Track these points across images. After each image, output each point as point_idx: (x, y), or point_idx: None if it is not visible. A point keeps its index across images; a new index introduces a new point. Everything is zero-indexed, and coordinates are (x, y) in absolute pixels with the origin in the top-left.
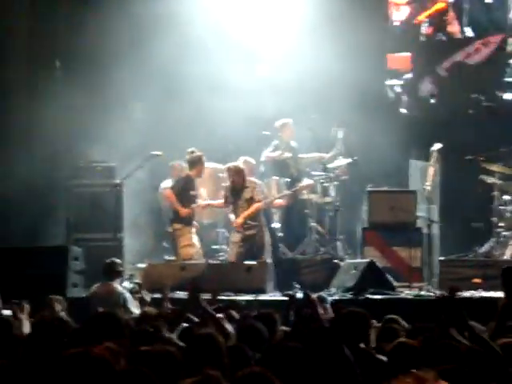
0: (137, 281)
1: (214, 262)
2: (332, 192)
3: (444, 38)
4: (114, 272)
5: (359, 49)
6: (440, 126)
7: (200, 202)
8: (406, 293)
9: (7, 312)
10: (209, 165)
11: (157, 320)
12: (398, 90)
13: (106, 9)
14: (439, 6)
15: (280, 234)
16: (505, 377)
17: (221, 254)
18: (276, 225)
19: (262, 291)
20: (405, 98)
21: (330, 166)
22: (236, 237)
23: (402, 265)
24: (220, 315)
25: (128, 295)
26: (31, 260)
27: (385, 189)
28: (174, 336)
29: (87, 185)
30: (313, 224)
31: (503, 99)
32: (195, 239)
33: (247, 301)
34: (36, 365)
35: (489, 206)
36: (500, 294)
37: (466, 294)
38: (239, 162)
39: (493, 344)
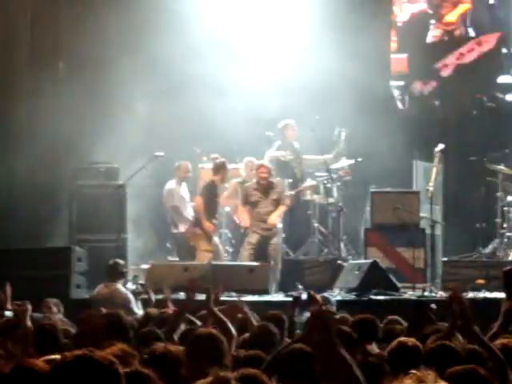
0: (141, 282)
1: (217, 262)
2: (335, 193)
3: (446, 39)
4: (117, 273)
5: (362, 49)
6: (443, 127)
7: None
8: (410, 293)
9: (10, 313)
10: (211, 166)
11: (160, 321)
12: (400, 90)
13: (108, 10)
14: (465, 6)
15: (283, 235)
16: (504, 380)
17: (224, 254)
18: (279, 225)
19: (266, 292)
20: (406, 98)
21: (333, 166)
22: (254, 238)
23: (405, 265)
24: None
25: (131, 296)
26: (34, 261)
27: (388, 189)
28: (175, 337)
29: (90, 186)
30: (316, 225)
31: (505, 100)
32: (216, 240)
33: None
34: (37, 367)
35: (492, 207)
36: (504, 295)
37: (470, 294)
38: (245, 162)
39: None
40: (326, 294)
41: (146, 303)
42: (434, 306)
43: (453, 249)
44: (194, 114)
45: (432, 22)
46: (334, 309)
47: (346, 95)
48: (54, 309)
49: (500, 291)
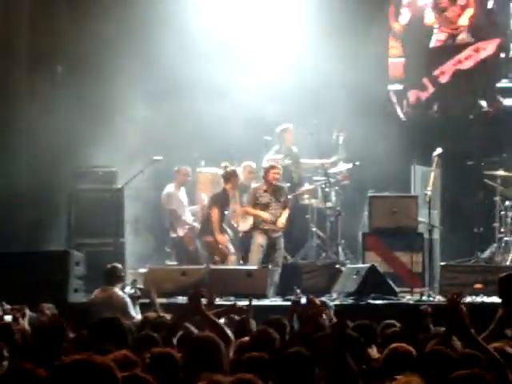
0: (140, 286)
1: (215, 267)
2: (333, 197)
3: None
4: (114, 277)
5: (361, 54)
6: (441, 132)
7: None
8: (408, 298)
9: (8, 317)
10: (210, 170)
11: (157, 325)
12: (398, 95)
13: (107, 14)
14: (471, 11)
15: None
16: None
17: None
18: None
19: (264, 296)
20: (404, 103)
21: (331, 171)
22: (261, 239)
23: (403, 270)
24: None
25: (128, 300)
26: (32, 265)
27: (386, 194)
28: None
29: (88, 190)
30: (314, 229)
31: (502, 105)
32: (230, 247)
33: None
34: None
35: (490, 212)
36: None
37: (467, 299)
38: (243, 166)
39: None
40: (324, 299)
41: (144, 307)
42: (428, 308)
43: (451, 253)
44: (193, 118)
45: (436, 25)
46: (332, 313)
47: (345, 99)
48: (48, 313)
49: (498, 296)
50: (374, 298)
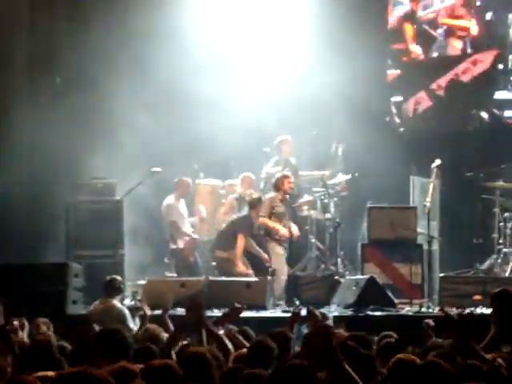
0: (140, 298)
1: (214, 278)
2: (332, 208)
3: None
4: (114, 289)
5: (360, 65)
6: (440, 143)
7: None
8: (407, 309)
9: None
10: (208, 181)
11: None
12: (397, 106)
13: (106, 25)
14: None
15: None
16: None
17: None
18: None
19: (263, 308)
20: (403, 114)
21: (330, 182)
22: (280, 249)
23: (402, 281)
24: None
25: (127, 312)
26: (31, 277)
27: (385, 205)
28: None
29: (88, 201)
30: (313, 240)
31: (501, 116)
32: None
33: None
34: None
35: (489, 223)
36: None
37: (466, 310)
38: (241, 177)
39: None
40: (323, 310)
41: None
42: (431, 321)
43: (450, 264)
44: (192, 130)
45: (440, 32)
46: (331, 324)
47: (343, 110)
48: (43, 328)
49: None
50: (373, 310)
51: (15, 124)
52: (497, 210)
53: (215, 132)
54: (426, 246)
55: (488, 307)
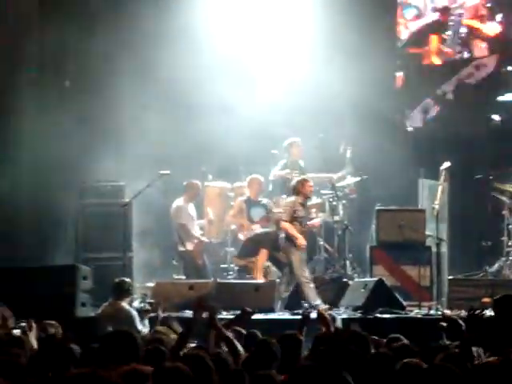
0: (150, 300)
1: (222, 280)
2: (341, 211)
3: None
4: (122, 291)
5: (368, 68)
6: (449, 145)
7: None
8: (416, 312)
9: (16, 331)
10: (217, 184)
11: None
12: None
13: (116, 28)
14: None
15: None
16: None
17: (230, 272)
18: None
19: (271, 310)
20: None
21: (338, 184)
22: (299, 253)
23: (410, 284)
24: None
25: (135, 314)
26: (40, 279)
27: (394, 207)
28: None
29: (96, 204)
30: (321, 243)
31: (510, 118)
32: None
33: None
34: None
35: (498, 226)
36: None
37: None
38: (249, 179)
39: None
40: (332, 313)
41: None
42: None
43: (459, 267)
44: (200, 132)
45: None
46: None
47: (352, 113)
48: (51, 330)
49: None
50: (381, 312)
51: (24, 127)
52: (506, 212)
53: (223, 134)
54: (434, 249)
55: None
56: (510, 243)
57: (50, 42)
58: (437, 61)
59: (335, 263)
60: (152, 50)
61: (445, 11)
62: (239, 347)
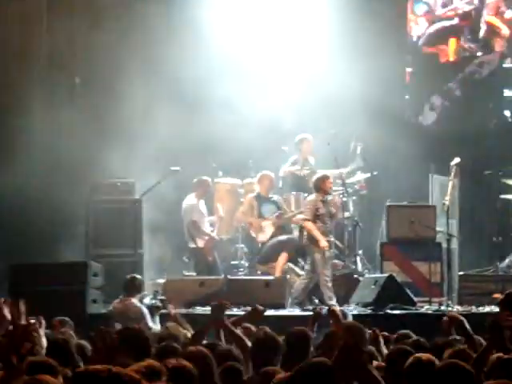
0: (162, 297)
1: (233, 277)
2: (351, 207)
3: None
4: (133, 288)
5: (378, 64)
6: (459, 141)
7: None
8: (426, 308)
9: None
10: (227, 180)
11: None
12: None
13: (125, 27)
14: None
15: None
16: None
17: (240, 269)
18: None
19: (282, 306)
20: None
21: (349, 180)
22: (320, 253)
23: (421, 280)
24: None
25: (145, 311)
26: (51, 276)
27: (404, 203)
28: None
29: (107, 201)
30: (332, 239)
31: None
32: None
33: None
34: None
35: (509, 221)
36: None
37: (486, 308)
38: (260, 176)
39: None
40: (343, 309)
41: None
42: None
43: (469, 263)
44: (210, 128)
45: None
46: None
47: (362, 109)
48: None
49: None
50: (392, 308)
51: (34, 124)
52: None
53: (233, 131)
54: (445, 245)
55: None
56: None
57: (59, 40)
58: (452, 59)
59: (345, 259)
60: (162, 47)
61: (465, 16)
62: (249, 344)
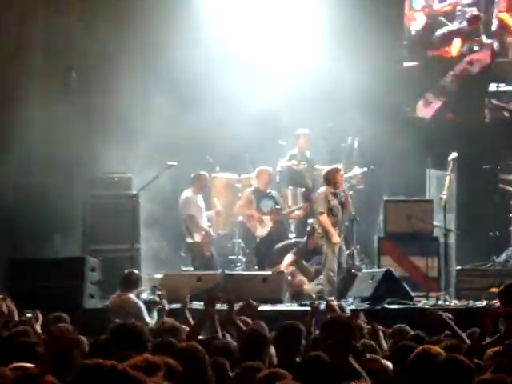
0: (160, 292)
1: (230, 272)
2: None
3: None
4: (131, 283)
5: (375, 59)
6: (456, 136)
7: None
8: (424, 302)
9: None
10: (224, 175)
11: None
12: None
13: (122, 21)
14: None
15: None
16: None
17: (238, 264)
18: (292, 235)
19: (279, 301)
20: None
21: (345, 175)
22: (337, 248)
23: (418, 274)
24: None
25: (142, 306)
26: (48, 271)
27: (401, 198)
28: None
29: (104, 196)
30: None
31: None
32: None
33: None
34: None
35: (506, 216)
36: None
37: (483, 303)
38: (258, 171)
39: None
40: (341, 303)
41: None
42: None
43: (466, 257)
44: (207, 123)
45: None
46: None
47: (359, 103)
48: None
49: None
50: (389, 303)
51: (30, 118)
52: None
53: (230, 126)
54: (442, 239)
55: None
56: None
57: (54, 33)
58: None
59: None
60: (159, 41)
61: (474, 20)
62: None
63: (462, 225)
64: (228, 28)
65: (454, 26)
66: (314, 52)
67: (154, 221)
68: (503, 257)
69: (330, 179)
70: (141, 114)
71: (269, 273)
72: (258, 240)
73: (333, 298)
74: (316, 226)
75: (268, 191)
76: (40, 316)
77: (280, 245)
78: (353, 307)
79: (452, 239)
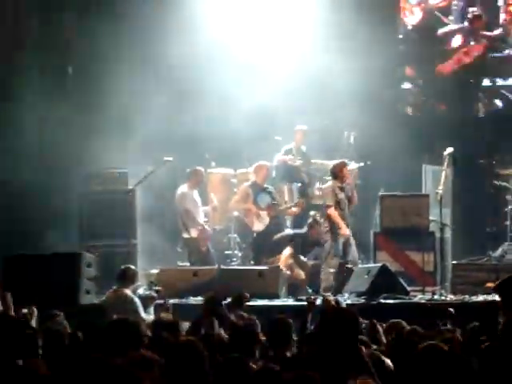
0: (157, 288)
1: (226, 267)
2: None
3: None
4: (127, 278)
5: (371, 54)
6: (452, 131)
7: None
8: (420, 297)
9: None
10: (220, 170)
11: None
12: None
13: (116, 17)
14: None
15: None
16: None
17: (233, 259)
18: (289, 230)
19: (275, 296)
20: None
21: None
22: (331, 243)
23: (414, 269)
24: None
25: (138, 301)
26: (44, 267)
27: (397, 193)
28: None
29: (100, 191)
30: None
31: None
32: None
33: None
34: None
35: (502, 210)
36: None
37: (480, 298)
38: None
39: None
40: (337, 297)
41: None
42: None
43: (462, 252)
44: (202, 119)
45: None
46: None
47: (355, 99)
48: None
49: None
50: (385, 298)
51: (27, 113)
52: (509, 197)
53: (226, 121)
54: (438, 234)
55: None
56: None
57: (51, 28)
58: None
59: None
60: (155, 36)
61: (476, 19)
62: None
63: (458, 219)
64: (225, 26)
65: (455, 26)
66: (310, 48)
67: (151, 216)
68: (499, 251)
69: (337, 173)
70: (137, 110)
71: (265, 267)
72: (254, 235)
73: (329, 294)
74: (318, 217)
75: (265, 186)
76: (36, 312)
77: (279, 235)
78: (349, 302)
79: (448, 234)
